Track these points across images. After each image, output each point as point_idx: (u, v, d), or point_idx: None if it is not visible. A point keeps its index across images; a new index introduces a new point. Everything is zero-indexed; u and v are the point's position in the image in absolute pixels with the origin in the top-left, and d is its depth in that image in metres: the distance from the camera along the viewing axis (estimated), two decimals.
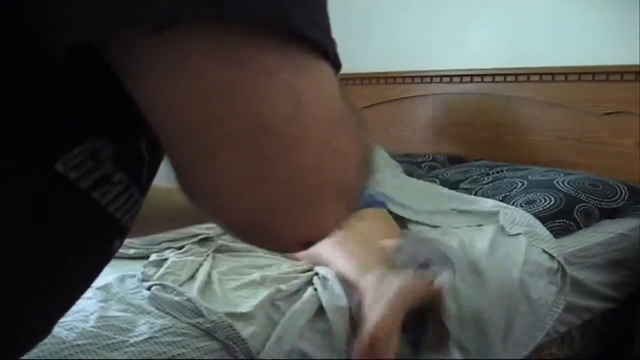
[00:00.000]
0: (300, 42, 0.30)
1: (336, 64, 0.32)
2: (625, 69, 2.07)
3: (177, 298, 1.03)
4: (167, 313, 1.01)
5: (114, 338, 0.92)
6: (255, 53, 0.29)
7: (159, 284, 1.09)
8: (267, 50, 0.29)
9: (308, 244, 0.35)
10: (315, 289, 1.13)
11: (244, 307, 1.04)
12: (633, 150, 2.08)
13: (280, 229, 0.33)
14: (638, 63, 2.03)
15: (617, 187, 1.86)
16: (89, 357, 0.88)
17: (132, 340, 0.92)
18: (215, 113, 0.29)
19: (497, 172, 2.07)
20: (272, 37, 0.29)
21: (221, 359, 0.95)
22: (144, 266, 1.23)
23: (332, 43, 0.32)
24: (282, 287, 1.12)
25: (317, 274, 1.19)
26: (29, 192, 0.34)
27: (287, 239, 0.34)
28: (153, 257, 1.28)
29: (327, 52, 0.31)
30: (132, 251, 1.31)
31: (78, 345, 0.89)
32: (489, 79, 2.47)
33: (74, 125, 0.34)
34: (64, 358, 0.86)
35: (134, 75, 0.30)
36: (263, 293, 1.09)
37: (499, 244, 1.48)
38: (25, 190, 0.33)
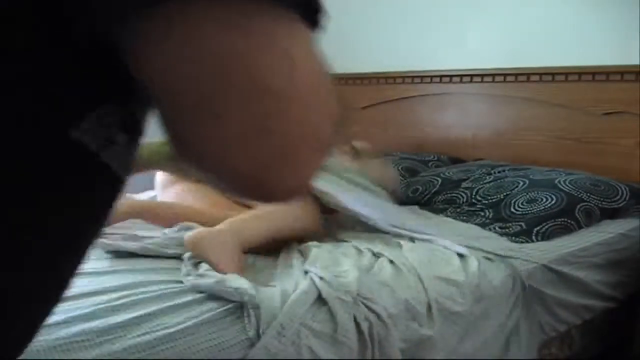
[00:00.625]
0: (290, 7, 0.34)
1: (315, 23, 0.36)
2: (625, 69, 2.07)
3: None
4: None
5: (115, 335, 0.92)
6: (256, 21, 0.33)
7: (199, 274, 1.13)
8: (266, 18, 0.33)
9: (294, 193, 0.39)
10: (312, 280, 1.15)
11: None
12: (633, 150, 2.07)
13: (275, 180, 0.37)
14: (638, 63, 2.03)
15: (618, 188, 1.86)
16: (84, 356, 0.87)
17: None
18: (227, 77, 0.33)
19: (499, 172, 2.06)
20: (266, 4, 0.33)
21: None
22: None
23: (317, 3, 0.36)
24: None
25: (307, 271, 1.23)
26: (45, 155, 0.36)
27: (279, 189, 0.38)
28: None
29: (311, 14, 0.36)
30: (170, 251, 1.31)
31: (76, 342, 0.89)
32: (489, 79, 2.47)
33: (88, 93, 0.37)
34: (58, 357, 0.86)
35: (144, 49, 0.33)
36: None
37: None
38: (41, 154, 0.36)
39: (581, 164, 2.12)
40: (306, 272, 1.23)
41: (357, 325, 1.08)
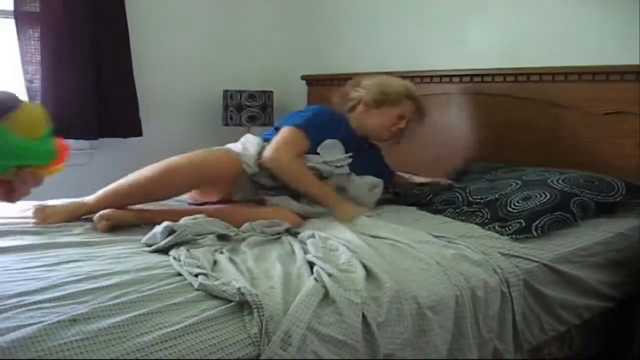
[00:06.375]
0: None
1: None
2: (625, 69, 2.07)
3: (225, 287, 1.08)
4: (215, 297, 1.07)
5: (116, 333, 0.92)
6: None
7: (204, 274, 1.14)
8: None
9: None
10: (316, 279, 1.15)
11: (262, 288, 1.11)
12: (633, 150, 2.07)
13: None
14: (638, 63, 2.04)
15: (613, 183, 1.86)
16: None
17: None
18: None
19: (494, 173, 2.08)
20: None
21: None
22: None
23: None
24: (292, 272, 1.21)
25: (312, 264, 1.24)
26: None
27: None
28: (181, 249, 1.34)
29: None
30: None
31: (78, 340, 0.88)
32: (489, 79, 2.47)
33: None
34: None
35: None
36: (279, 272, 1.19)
37: None
38: None
39: (581, 164, 2.12)
40: (310, 265, 1.24)
41: (366, 325, 1.07)
